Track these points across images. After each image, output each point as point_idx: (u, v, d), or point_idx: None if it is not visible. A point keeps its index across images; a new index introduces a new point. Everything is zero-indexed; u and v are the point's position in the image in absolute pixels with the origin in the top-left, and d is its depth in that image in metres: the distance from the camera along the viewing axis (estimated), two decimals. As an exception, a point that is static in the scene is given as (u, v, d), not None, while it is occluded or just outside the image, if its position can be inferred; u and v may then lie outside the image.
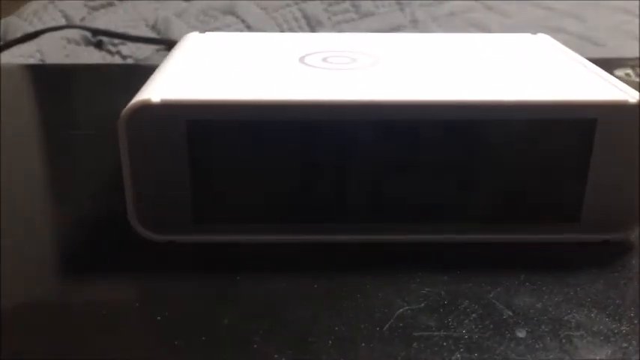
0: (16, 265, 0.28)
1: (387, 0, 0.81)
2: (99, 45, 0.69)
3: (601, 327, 0.24)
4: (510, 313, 0.25)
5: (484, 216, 0.29)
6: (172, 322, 0.24)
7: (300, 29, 0.75)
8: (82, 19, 0.75)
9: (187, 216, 0.28)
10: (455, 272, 0.27)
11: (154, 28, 0.74)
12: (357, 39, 0.37)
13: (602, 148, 0.27)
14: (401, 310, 0.25)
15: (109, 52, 0.69)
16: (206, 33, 0.38)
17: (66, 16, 0.73)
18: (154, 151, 0.27)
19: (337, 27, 0.77)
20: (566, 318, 0.24)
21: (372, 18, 0.79)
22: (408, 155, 0.27)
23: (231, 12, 0.76)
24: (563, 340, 0.23)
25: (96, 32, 0.70)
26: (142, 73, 0.31)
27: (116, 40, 0.70)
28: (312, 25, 0.76)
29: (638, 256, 0.28)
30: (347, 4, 0.80)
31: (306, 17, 0.77)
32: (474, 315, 0.24)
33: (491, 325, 0.24)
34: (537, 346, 0.23)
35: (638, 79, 0.50)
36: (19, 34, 0.68)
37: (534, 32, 0.39)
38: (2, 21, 0.71)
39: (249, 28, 0.74)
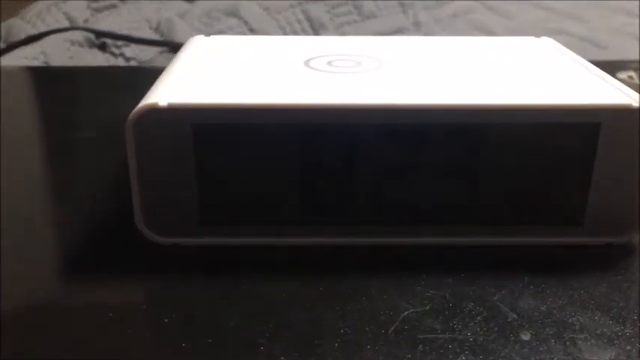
0: (22, 266, 0.28)
1: (389, 1, 0.82)
2: (102, 47, 0.69)
3: (604, 329, 0.24)
4: (515, 316, 0.25)
5: (488, 219, 0.29)
6: (178, 324, 0.24)
7: (303, 31, 0.76)
8: (86, 20, 0.75)
9: (193, 218, 0.28)
10: (459, 275, 0.27)
11: (157, 29, 0.74)
12: (362, 42, 0.37)
13: (605, 152, 0.27)
14: (406, 312, 0.25)
15: (113, 54, 0.69)
16: (211, 36, 0.38)
17: (69, 18, 0.74)
18: (161, 154, 0.27)
19: (340, 29, 0.77)
20: (570, 321, 0.25)
21: (375, 20, 0.79)
22: (413, 158, 0.28)
23: (234, 14, 0.76)
24: (567, 343, 0.23)
25: (99, 34, 0.70)
26: (146, 75, 0.32)
27: (119, 42, 0.70)
28: (315, 27, 0.76)
29: (641, 258, 0.29)
30: (349, 7, 0.80)
31: (308, 19, 0.77)
32: (478, 318, 0.25)
33: (496, 328, 0.24)
34: (541, 349, 0.23)
35: (640, 82, 0.50)
36: (22, 36, 0.68)
37: (536, 34, 0.39)
38: (6, 23, 0.71)
39: (252, 30, 0.74)
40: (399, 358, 0.23)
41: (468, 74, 0.31)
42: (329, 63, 0.32)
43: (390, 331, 0.24)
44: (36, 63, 0.64)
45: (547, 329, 0.24)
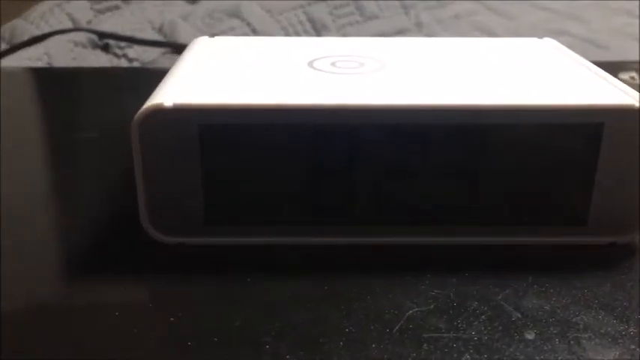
0: (28, 266, 0.29)
1: (391, 1, 0.82)
2: (105, 48, 0.70)
3: (609, 329, 0.24)
4: (519, 315, 0.25)
5: (491, 219, 0.29)
6: (184, 324, 0.24)
7: (305, 32, 0.76)
8: (89, 21, 0.75)
9: (198, 218, 0.28)
10: (463, 274, 0.27)
11: (160, 31, 0.74)
12: (365, 43, 0.37)
13: (609, 152, 0.27)
14: (410, 311, 0.25)
15: (116, 55, 0.69)
16: (215, 37, 0.38)
17: (72, 19, 0.74)
18: (166, 154, 0.27)
19: (342, 30, 0.77)
20: (574, 320, 0.25)
21: (377, 21, 0.79)
22: (416, 159, 0.28)
23: (237, 15, 0.76)
24: (572, 342, 0.23)
25: (102, 35, 0.70)
26: (148, 76, 0.32)
27: (122, 43, 0.70)
28: (317, 28, 0.76)
29: (644, 258, 0.29)
30: (352, 8, 0.80)
31: (311, 20, 0.77)
32: (483, 317, 0.25)
33: (500, 327, 0.24)
34: (546, 348, 0.23)
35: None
36: (26, 37, 0.68)
37: (538, 34, 0.39)
38: (9, 24, 0.72)
39: (255, 31, 0.74)
40: (403, 357, 0.23)
41: (471, 75, 0.31)
42: (333, 64, 0.32)
43: (394, 330, 0.24)
44: (39, 64, 0.64)
45: (551, 328, 0.24)
